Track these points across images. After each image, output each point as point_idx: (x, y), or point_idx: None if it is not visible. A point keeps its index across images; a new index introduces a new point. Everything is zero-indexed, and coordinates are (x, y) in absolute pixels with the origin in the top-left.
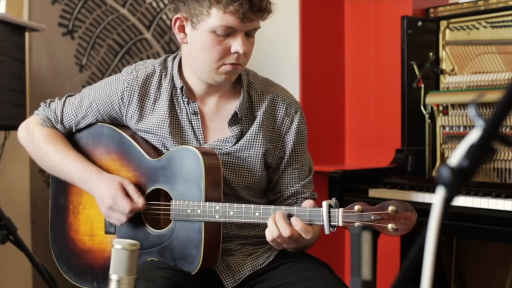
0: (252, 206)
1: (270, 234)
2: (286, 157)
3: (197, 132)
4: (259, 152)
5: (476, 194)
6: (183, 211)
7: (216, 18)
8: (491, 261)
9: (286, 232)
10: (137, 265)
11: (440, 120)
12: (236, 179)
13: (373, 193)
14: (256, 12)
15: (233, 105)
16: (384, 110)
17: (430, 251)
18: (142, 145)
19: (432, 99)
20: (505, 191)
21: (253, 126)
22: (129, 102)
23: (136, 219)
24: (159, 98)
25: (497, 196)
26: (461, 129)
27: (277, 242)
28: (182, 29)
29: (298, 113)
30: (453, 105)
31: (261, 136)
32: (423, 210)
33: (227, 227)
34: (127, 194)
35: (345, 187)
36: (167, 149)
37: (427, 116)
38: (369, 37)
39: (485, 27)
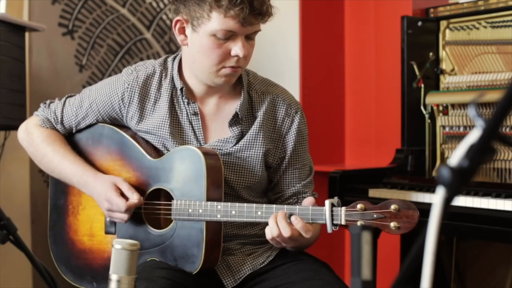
0: (254, 205)
1: (270, 233)
2: (287, 157)
3: (197, 133)
4: (260, 152)
5: (476, 194)
6: (185, 211)
7: (216, 22)
8: (491, 261)
9: (286, 232)
10: (137, 265)
11: (440, 120)
12: (236, 179)
13: (373, 193)
14: (257, 16)
15: (233, 106)
16: (384, 110)
17: (430, 251)
18: (142, 145)
19: (432, 99)
20: (505, 191)
21: (253, 127)
22: (129, 102)
23: (137, 219)
24: (159, 98)
25: (497, 196)
26: (461, 129)
27: (276, 241)
28: (182, 31)
29: (299, 113)
30: (453, 105)
31: (261, 136)
32: (423, 210)
33: (227, 227)
34: (121, 193)
35: (345, 187)
36: (167, 150)
37: (427, 116)
38: (369, 37)
39: (485, 27)
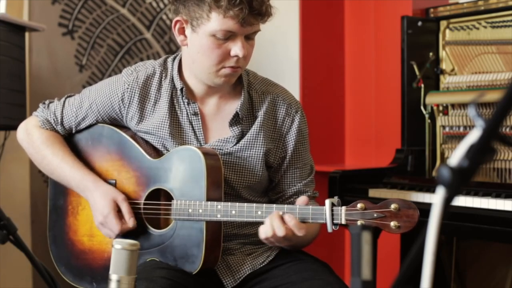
0: (254, 205)
1: (264, 233)
2: (287, 157)
3: (197, 133)
4: (260, 152)
5: (476, 194)
6: (184, 211)
7: (216, 22)
8: (491, 261)
9: (280, 232)
10: (137, 265)
11: (440, 120)
12: (237, 179)
13: (373, 193)
14: (256, 16)
15: (233, 106)
16: (384, 110)
17: (430, 251)
18: (142, 145)
19: (432, 99)
20: (505, 191)
21: (254, 126)
22: (129, 103)
23: (137, 219)
24: (159, 99)
25: (497, 196)
26: (461, 129)
27: (270, 241)
28: (182, 31)
29: (299, 112)
30: (453, 105)
31: (262, 136)
32: (423, 210)
33: (227, 226)
34: (119, 211)
35: (345, 187)
36: (167, 150)
37: (427, 116)
38: (369, 37)
39: (485, 27)
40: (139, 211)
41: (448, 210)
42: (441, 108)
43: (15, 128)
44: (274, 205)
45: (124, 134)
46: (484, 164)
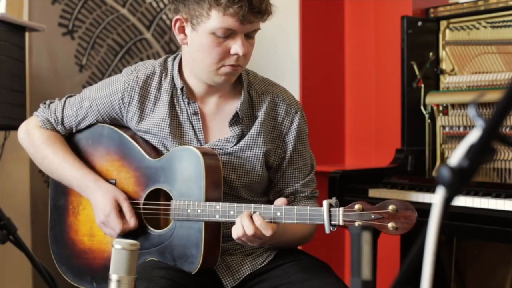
0: (252, 205)
1: (235, 232)
2: (287, 157)
3: (197, 133)
4: (260, 152)
5: (476, 194)
6: (183, 211)
7: (215, 20)
8: (491, 261)
9: (249, 231)
10: (137, 265)
11: (440, 120)
12: (236, 179)
13: (373, 193)
14: (256, 14)
15: (233, 105)
16: (384, 110)
17: (430, 251)
18: (142, 145)
19: (432, 99)
20: (505, 191)
21: (254, 127)
22: (129, 102)
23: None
24: (159, 98)
25: (497, 196)
26: (461, 129)
27: (242, 241)
28: (182, 30)
29: (298, 113)
30: (453, 105)
31: (262, 136)
32: (423, 210)
33: (226, 227)
34: (120, 211)
35: (345, 187)
36: (167, 150)
37: (427, 116)
38: (369, 37)
39: (485, 27)
40: (138, 211)
41: (448, 210)
42: (441, 108)
43: (15, 128)
44: (272, 206)
45: (124, 134)
46: (484, 164)
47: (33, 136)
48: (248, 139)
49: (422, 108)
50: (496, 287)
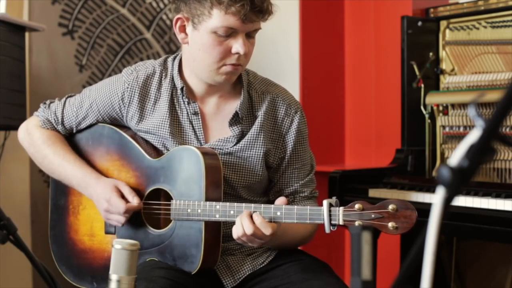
0: (252, 205)
1: (235, 232)
2: (286, 157)
3: (197, 132)
4: (260, 152)
5: (476, 194)
6: (184, 211)
7: (217, 19)
8: (491, 261)
9: (249, 230)
10: (137, 265)
11: (440, 120)
12: (236, 178)
13: (373, 193)
14: (257, 13)
15: (233, 105)
16: (384, 110)
17: (430, 251)
18: (142, 145)
19: (432, 99)
20: (505, 191)
21: (254, 127)
22: (129, 102)
23: (136, 219)
24: (159, 98)
25: (497, 196)
26: (461, 129)
27: (242, 240)
28: (183, 29)
29: (298, 113)
30: (453, 105)
31: (262, 136)
32: (423, 210)
33: (226, 227)
34: (122, 195)
35: (345, 187)
36: (167, 150)
37: (427, 116)
38: (369, 37)
39: (485, 27)
40: (138, 211)
41: (448, 210)
42: (441, 108)
43: (15, 128)
44: (272, 206)
45: (124, 134)
46: (484, 164)
47: (33, 136)
48: (248, 139)
49: (422, 108)
50: (496, 287)
